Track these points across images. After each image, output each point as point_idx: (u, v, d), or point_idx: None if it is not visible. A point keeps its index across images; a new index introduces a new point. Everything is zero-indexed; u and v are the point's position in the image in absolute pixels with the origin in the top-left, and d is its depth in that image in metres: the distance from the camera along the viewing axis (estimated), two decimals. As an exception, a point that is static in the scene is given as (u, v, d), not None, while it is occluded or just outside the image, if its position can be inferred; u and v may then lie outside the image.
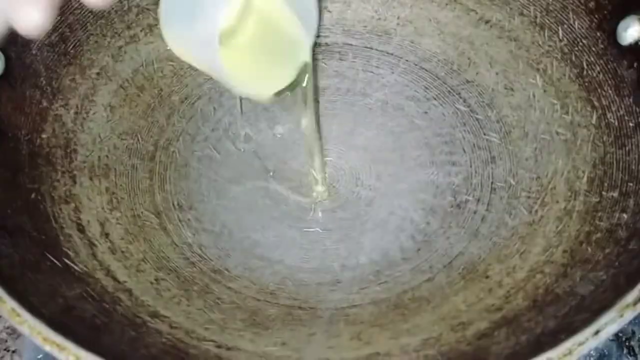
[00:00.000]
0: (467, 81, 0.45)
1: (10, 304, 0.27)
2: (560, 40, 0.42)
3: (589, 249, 0.33)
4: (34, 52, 0.41)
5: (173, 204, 0.41)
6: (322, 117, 0.46)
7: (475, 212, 0.40)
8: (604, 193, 0.36)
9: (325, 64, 0.48)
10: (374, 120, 0.46)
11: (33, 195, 0.37)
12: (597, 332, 0.27)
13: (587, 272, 0.32)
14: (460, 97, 0.45)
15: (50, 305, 0.30)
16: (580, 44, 0.41)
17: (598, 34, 0.41)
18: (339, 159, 0.45)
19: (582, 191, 0.37)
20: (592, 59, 0.41)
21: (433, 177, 0.43)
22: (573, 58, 0.42)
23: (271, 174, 0.44)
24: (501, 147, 0.43)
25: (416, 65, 0.47)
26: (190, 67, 0.46)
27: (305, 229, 0.42)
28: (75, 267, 0.34)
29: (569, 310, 0.31)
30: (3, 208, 0.35)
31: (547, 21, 0.43)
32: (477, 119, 0.44)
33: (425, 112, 0.46)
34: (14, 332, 0.43)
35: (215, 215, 0.42)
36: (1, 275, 0.29)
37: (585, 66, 0.41)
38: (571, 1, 0.42)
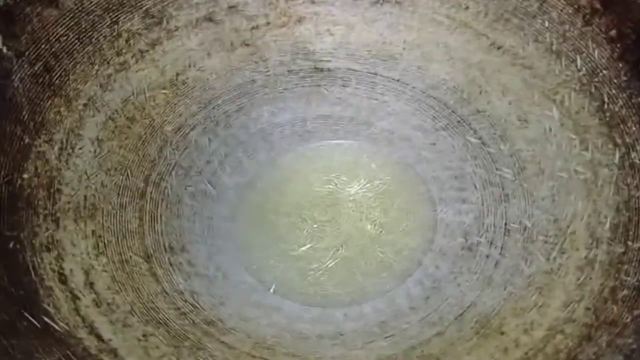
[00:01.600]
0: (478, 111, 0.43)
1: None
2: (579, 70, 0.40)
3: (615, 309, 0.31)
4: (15, 84, 0.38)
5: (164, 246, 0.39)
6: (324, 146, 0.44)
7: (488, 257, 0.38)
8: (629, 243, 0.34)
9: (327, 90, 0.45)
10: (379, 151, 0.44)
11: (11, 245, 0.34)
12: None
13: (614, 336, 0.29)
14: (471, 128, 0.43)
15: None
16: (601, 74, 0.39)
17: (620, 64, 0.38)
18: (342, 190, 0.42)
19: (604, 239, 0.35)
20: (614, 91, 0.38)
21: (442, 214, 0.41)
22: (592, 90, 0.39)
23: (269, 208, 0.41)
24: (515, 184, 0.40)
25: (423, 92, 0.45)
26: (185, 94, 0.44)
27: (305, 270, 0.39)
28: (55, 327, 0.32)
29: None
30: (-23, 261, 0.32)
31: (564, 49, 0.40)
32: (488, 153, 0.42)
33: (433, 144, 0.43)
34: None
35: (209, 257, 0.39)
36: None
37: (606, 99, 0.38)
38: (590, 28, 0.39)
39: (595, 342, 0.30)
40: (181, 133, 0.43)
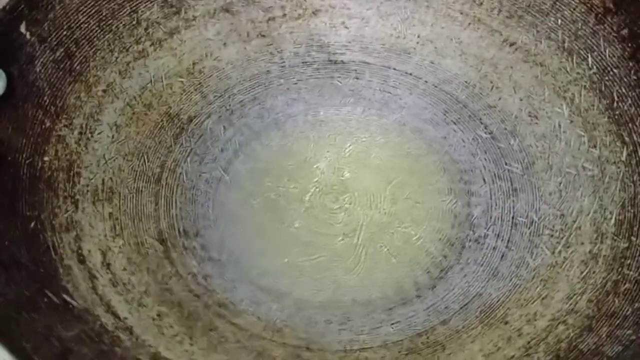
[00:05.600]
0: (489, 106, 0.43)
1: (1, 354, 0.26)
2: (590, 68, 0.40)
3: (617, 301, 0.31)
4: (37, 69, 0.39)
5: (178, 231, 0.40)
6: (337, 135, 0.44)
7: (494, 249, 0.39)
8: (633, 239, 0.34)
9: (340, 82, 0.46)
10: (391, 141, 0.44)
11: (32, 224, 0.35)
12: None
13: (614, 328, 0.30)
14: (482, 123, 0.43)
15: (46, 350, 0.28)
16: (611, 73, 0.39)
17: (631, 63, 0.38)
18: (353, 178, 0.43)
19: (609, 234, 0.35)
20: (624, 90, 0.38)
21: (451, 205, 0.41)
22: (603, 88, 0.39)
23: (281, 195, 0.42)
24: (523, 178, 0.41)
25: (436, 86, 0.45)
26: (201, 83, 0.45)
27: (315, 256, 0.40)
28: (74, 303, 0.33)
29: (593, 373, 0.29)
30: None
31: (576, 47, 0.41)
32: (498, 147, 0.42)
33: (444, 137, 0.44)
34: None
35: (222, 242, 0.40)
36: (-6, 318, 0.28)
37: (615, 97, 0.39)
38: (602, 27, 0.40)
39: (596, 333, 0.31)
40: (197, 121, 0.44)
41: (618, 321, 0.31)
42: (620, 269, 0.34)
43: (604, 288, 0.33)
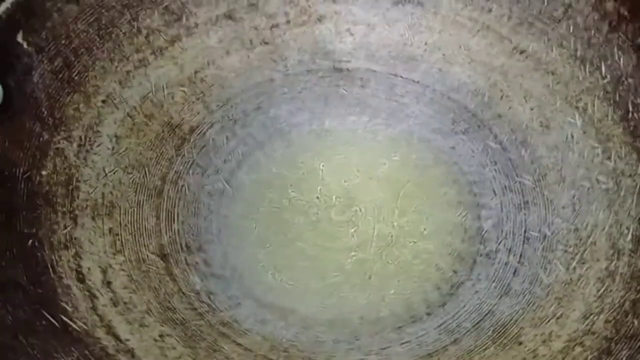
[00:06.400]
0: (499, 115, 0.42)
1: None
2: (603, 77, 0.39)
3: (636, 322, 0.30)
4: (35, 79, 0.38)
5: (181, 245, 0.39)
6: (342, 145, 0.43)
7: (506, 264, 0.38)
8: (651, 256, 0.33)
9: (345, 90, 0.45)
10: (398, 151, 0.43)
11: (30, 242, 0.34)
12: None
13: (634, 351, 0.29)
14: (491, 133, 0.42)
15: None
16: (626, 83, 0.38)
17: (646, 73, 0.37)
18: (359, 190, 0.42)
19: (626, 251, 0.34)
20: (639, 100, 0.37)
21: (461, 218, 0.40)
22: (617, 98, 0.38)
23: (286, 207, 0.41)
24: (535, 191, 0.40)
25: (444, 95, 0.44)
26: (203, 92, 0.44)
27: (321, 272, 0.39)
28: (74, 325, 0.32)
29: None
30: (-4, 258, 0.32)
31: (589, 55, 0.40)
32: (509, 158, 0.41)
33: (453, 147, 0.43)
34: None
35: (225, 257, 0.39)
36: (-11, 345, 0.27)
37: (630, 108, 0.38)
38: (616, 35, 0.39)
39: (615, 357, 0.30)
40: (199, 131, 0.43)
41: (639, 344, 0.30)
42: (638, 288, 0.33)
43: (622, 308, 0.32)
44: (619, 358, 0.30)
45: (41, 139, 0.38)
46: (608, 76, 0.39)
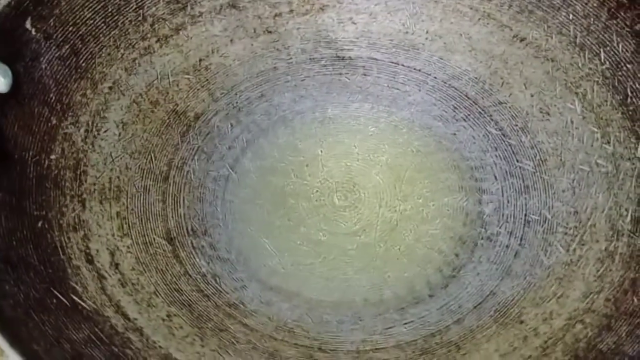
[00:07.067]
0: (500, 102, 0.43)
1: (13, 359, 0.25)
2: (602, 64, 0.40)
3: (635, 300, 0.31)
4: (43, 66, 0.39)
5: (186, 229, 0.39)
6: (345, 132, 0.44)
7: (507, 247, 0.38)
8: (650, 236, 0.34)
9: (348, 79, 0.45)
10: (399, 138, 0.43)
11: (40, 224, 0.35)
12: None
13: (634, 327, 0.29)
14: (492, 119, 0.43)
15: (57, 353, 0.28)
16: (624, 68, 0.39)
17: (644, 59, 0.38)
18: (362, 176, 0.42)
19: (625, 231, 0.35)
20: (637, 85, 0.38)
21: (462, 203, 0.41)
22: (616, 83, 0.39)
23: (290, 193, 0.42)
24: (535, 176, 0.40)
25: (445, 83, 0.44)
26: (207, 80, 0.44)
27: (325, 255, 0.39)
28: (83, 304, 0.32)
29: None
30: (7, 239, 0.32)
31: (588, 42, 0.40)
32: (509, 144, 0.42)
33: (454, 134, 0.43)
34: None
35: (231, 241, 0.39)
36: (3, 320, 0.27)
37: (629, 93, 0.38)
38: (615, 22, 0.39)
39: (615, 332, 0.30)
40: (204, 118, 0.43)
41: (638, 320, 0.30)
42: (637, 267, 0.33)
43: (622, 286, 0.33)
44: (619, 334, 0.30)
45: (49, 123, 0.38)
46: (607, 62, 0.40)
